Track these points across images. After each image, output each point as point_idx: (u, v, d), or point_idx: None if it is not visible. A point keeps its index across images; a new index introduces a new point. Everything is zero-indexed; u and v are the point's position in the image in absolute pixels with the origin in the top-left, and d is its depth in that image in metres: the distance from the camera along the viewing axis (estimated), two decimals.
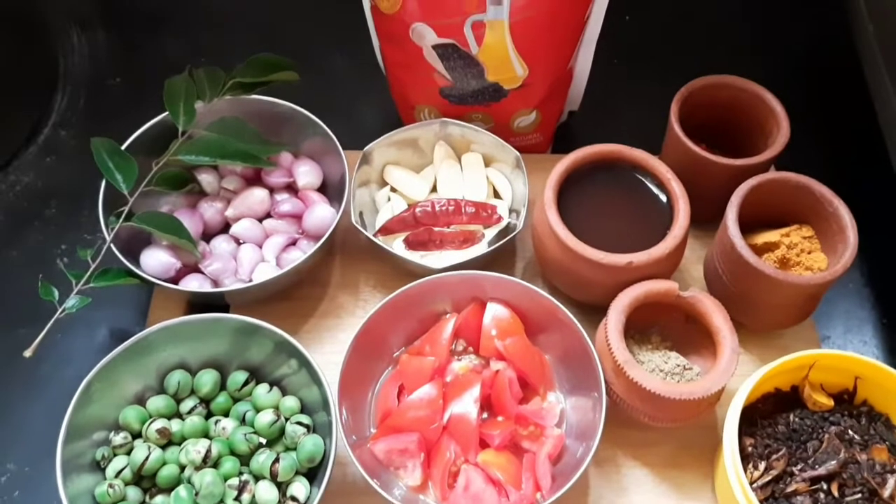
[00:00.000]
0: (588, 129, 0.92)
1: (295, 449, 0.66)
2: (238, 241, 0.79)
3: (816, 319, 0.79)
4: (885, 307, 0.81)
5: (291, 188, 0.82)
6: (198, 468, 0.64)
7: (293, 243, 0.79)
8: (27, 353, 0.68)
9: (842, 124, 0.94)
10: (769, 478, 0.64)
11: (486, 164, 0.83)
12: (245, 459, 0.66)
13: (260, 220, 0.80)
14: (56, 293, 0.70)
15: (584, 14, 0.77)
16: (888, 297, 0.82)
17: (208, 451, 0.64)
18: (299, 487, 0.65)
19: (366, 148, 0.80)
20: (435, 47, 0.76)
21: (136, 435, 0.68)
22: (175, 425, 0.68)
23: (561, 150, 0.89)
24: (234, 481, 0.64)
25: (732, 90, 0.78)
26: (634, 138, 0.76)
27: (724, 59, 0.86)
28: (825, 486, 0.63)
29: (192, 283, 0.75)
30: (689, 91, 0.78)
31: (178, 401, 0.70)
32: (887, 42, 0.87)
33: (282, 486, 0.65)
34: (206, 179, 0.80)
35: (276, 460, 0.65)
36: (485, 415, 0.70)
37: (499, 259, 0.80)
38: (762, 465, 0.64)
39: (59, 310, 0.69)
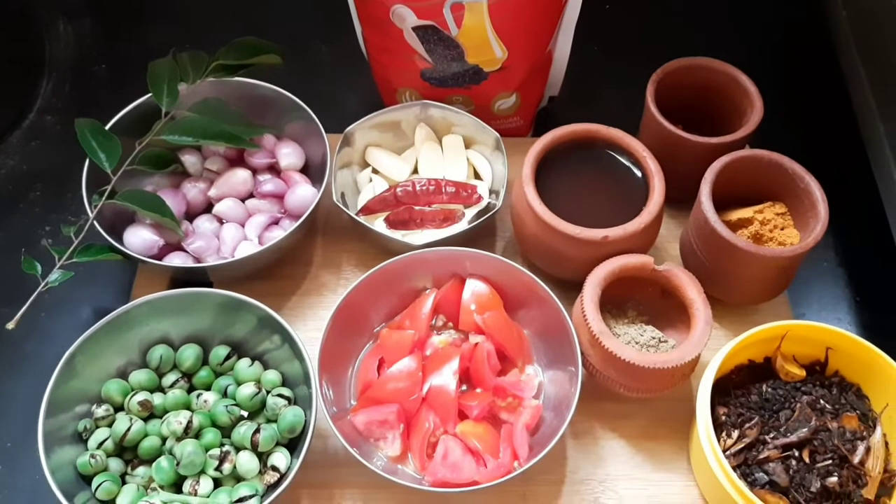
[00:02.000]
0: (568, 115, 0.91)
1: (276, 421, 0.67)
2: (221, 221, 0.80)
3: (791, 298, 0.80)
4: (859, 285, 0.83)
5: (274, 169, 0.83)
6: (179, 439, 0.65)
7: (275, 222, 0.80)
8: (10, 325, 0.69)
9: (815, 105, 0.95)
10: (742, 445, 0.65)
11: (467, 146, 0.84)
12: (226, 431, 0.67)
13: (243, 200, 0.81)
14: (39, 267, 0.71)
15: None
16: (861, 275, 0.83)
17: (189, 421, 0.65)
18: (280, 457, 0.65)
19: (346, 129, 0.81)
20: (415, 29, 0.77)
21: (119, 408, 0.68)
22: (157, 399, 0.68)
23: (541, 135, 0.90)
24: (216, 451, 0.65)
25: (707, 71, 0.80)
26: (615, 123, 0.78)
27: (702, 43, 0.87)
28: (796, 453, 0.64)
29: (175, 261, 0.75)
30: (664, 72, 0.79)
31: (161, 375, 0.70)
32: (860, 27, 0.89)
33: (262, 457, 0.66)
34: (190, 160, 0.81)
35: (257, 431, 0.65)
36: (464, 387, 0.71)
37: (479, 239, 0.81)
38: (735, 434, 0.65)
39: (42, 283, 0.70)
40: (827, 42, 0.95)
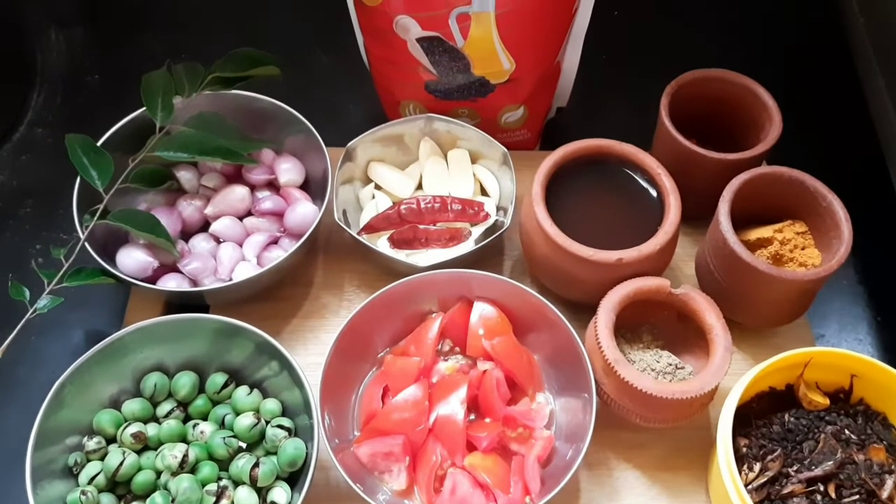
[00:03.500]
0: (577, 126, 0.90)
1: (275, 453, 0.64)
2: (218, 240, 0.77)
3: (810, 318, 0.77)
4: (880, 304, 0.80)
5: (273, 186, 0.80)
6: (174, 474, 0.62)
7: (275, 242, 0.77)
8: None
9: (834, 118, 0.92)
10: (764, 479, 0.62)
11: (473, 161, 0.81)
12: (224, 464, 0.64)
13: (240, 219, 0.78)
14: (27, 293, 0.68)
15: (572, 7, 0.75)
16: (882, 294, 0.81)
17: (185, 455, 0.62)
18: (280, 493, 0.62)
19: (349, 144, 0.78)
20: (419, 40, 0.74)
21: (111, 440, 0.65)
22: (151, 429, 0.65)
23: (549, 147, 0.87)
24: (213, 487, 0.62)
25: (723, 84, 0.77)
26: (624, 135, 0.75)
27: (715, 54, 0.85)
28: (822, 488, 0.61)
29: (170, 283, 0.73)
30: (679, 85, 0.76)
31: (155, 404, 0.67)
32: (878, 35, 0.86)
33: (262, 492, 0.63)
34: (185, 176, 0.78)
35: (256, 465, 0.62)
36: (472, 416, 0.68)
37: (486, 257, 0.78)
38: (757, 467, 0.63)
39: (31, 310, 0.67)
40: (844, 50, 0.92)
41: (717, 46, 0.97)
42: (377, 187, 0.81)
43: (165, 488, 0.62)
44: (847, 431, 0.64)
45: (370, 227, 0.77)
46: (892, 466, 0.62)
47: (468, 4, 0.70)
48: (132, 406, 0.66)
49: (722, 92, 0.77)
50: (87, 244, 0.70)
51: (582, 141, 0.73)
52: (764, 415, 0.66)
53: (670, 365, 0.67)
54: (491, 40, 0.74)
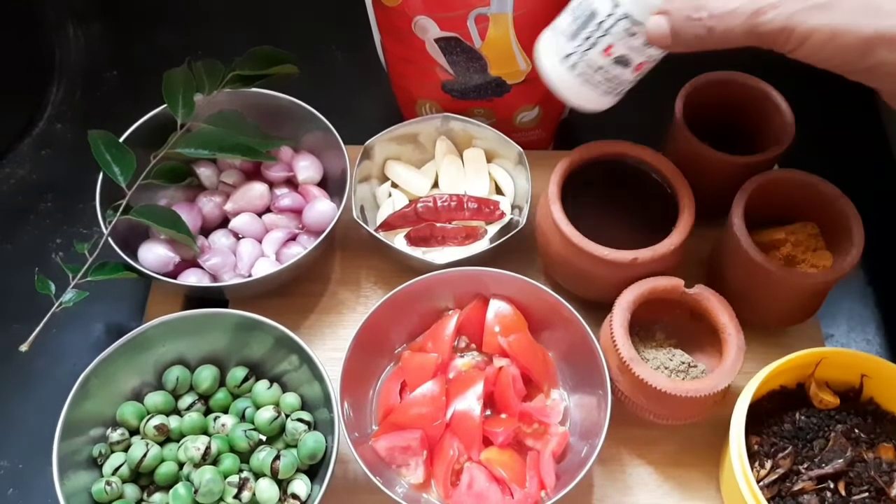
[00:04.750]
0: (590, 126, 0.91)
1: (296, 446, 0.65)
2: (237, 236, 0.78)
3: (820, 318, 0.78)
4: (888, 305, 0.81)
5: (291, 183, 0.81)
6: (197, 465, 0.63)
7: (293, 238, 0.78)
8: (23, 348, 0.67)
9: (845, 122, 0.93)
10: (775, 476, 0.63)
11: (489, 160, 0.82)
12: (245, 457, 0.65)
13: (259, 215, 0.79)
14: (53, 287, 0.69)
15: None
16: (891, 295, 0.82)
17: (207, 447, 0.63)
18: (300, 485, 0.64)
19: (367, 142, 0.79)
20: (437, 41, 0.75)
21: (134, 431, 0.67)
22: (173, 422, 0.67)
23: (563, 147, 0.88)
24: (234, 479, 0.63)
25: (737, 87, 0.77)
26: (636, 136, 0.76)
27: (729, 56, 0.85)
28: (832, 485, 0.62)
29: (191, 278, 0.74)
30: (693, 87, 0.77)
31: (177, 397, 0.69)
32: None
33: (282, 484, 0.64)
34: (205, 173, 0.79)
35: (277, 457, 0.64)
36: (488, 412, 0.69)
37: (501, 255, 0.79)
38: (768, 464, 0.64)
39: (56, 304, 0.68)
40: None
41: (731, 49, 0.98)
42: (394, 185, 0.82)
43: (188, 480, 0.63)
44: (857, 430, 0.65)
45: (387, 225, 0.78)
46: None
47: (486, 6, 0.71)
48: (155, 399, 0.67)
49: (736, 95, 0.78)
50: (109, 239, 0.71)
51: (597, 142, 0.74)
52: (775, 413, 0.67)
53: (683, 363, 0.68)
54: (508, 41, 0.74)
